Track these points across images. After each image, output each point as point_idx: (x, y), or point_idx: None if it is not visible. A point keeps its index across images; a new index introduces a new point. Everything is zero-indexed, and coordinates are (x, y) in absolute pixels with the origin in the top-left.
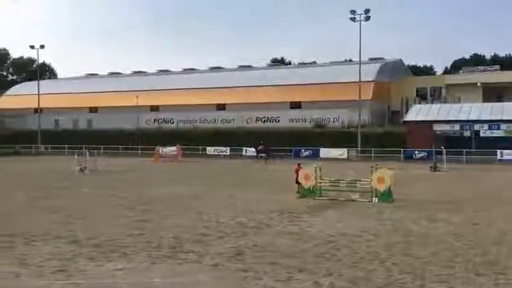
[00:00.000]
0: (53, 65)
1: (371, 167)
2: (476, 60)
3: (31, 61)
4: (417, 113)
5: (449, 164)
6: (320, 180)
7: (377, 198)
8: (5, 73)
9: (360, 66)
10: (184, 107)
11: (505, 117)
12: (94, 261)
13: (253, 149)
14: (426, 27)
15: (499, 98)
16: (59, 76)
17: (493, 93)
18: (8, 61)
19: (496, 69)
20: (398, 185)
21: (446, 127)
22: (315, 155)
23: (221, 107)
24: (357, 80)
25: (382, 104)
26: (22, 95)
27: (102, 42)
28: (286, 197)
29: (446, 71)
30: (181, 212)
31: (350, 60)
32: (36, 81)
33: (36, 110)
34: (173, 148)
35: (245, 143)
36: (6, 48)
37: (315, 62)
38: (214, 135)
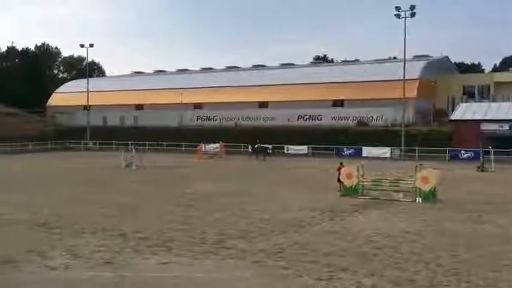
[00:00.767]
0: (101, 63)
1: (415, 166)
2: None
3: (81, 59)
4: (464, 111)
5: (497, 164)
6: (362, 179)
7: (421, 198)
8: (56, 71)
9: (404, 63)
10: (226, 105)
11: None
12: (139, 255)
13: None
14: (474, 23)
15: None
16: (107, 74)
17: None
18: (59, 59)
19: None
20: (443, 185)
21: (494, 126)
22: (358, 154)
23: (263, 104)
24: (401, 78)
25: (427, 102)
26: (72, 93)
27: (147, 41)
28: (328, 195)
29: (495, 69)
30: (224, 208)
31: (394, 58)
32: (86, 79)
33: (85, 107)
34: (216, 145)
35: (287, 141)
36: (58, 47)
37: (358, 60)
38: (256, 132)
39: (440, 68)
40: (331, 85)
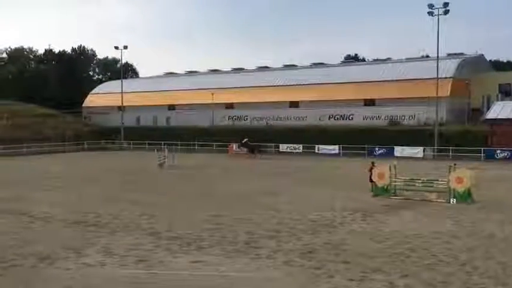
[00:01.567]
0: (135, 65)
1: (449, 166)
2: None
3: (115, 61)
4: (500, 110)
5: None
6: (394, 179)
7: (455, 199)
8: (91, 73)
9: (438, 62)
10: (257, 105)
11: None
12: (172, 253)
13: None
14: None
15: None
16: (140, 75)
17: None
18: (95, 61)
19: None
20: (478, 185)
21: None
22: (389, 154)
23: (294, 104)
24: (435, 77)
25: (461, 101)
26: (107, 94)
27: (180, 42)
28: (360, 195)
29: None
30: (255, 208)
31: (427, 56)
32: (120, 80)
33: (119, 108)
34: None
35: (318, 140)
36: (93, 49)
37: (390, 59)
38: (287, 132)
39: (474, 67)
40: (362, 84)
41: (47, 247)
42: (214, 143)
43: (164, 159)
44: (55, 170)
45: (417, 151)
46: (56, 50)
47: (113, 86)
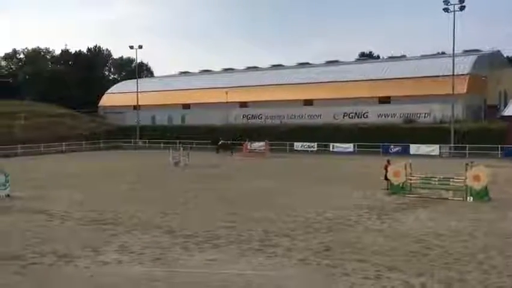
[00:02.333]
0: (150, 64)
1: (466, 164)
2: None
3: (130, 61)
4: None
5: None
6: (410, 177)
7: (472, 197)
8: (107, 72)
9: (453, 58)
10: (271, 103)
11: None
12: (187, 251)
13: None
14: None
15: None
16: (155, 74)
17: None
18: (110, 61)
19: None
20: (495, 183)
21: None
22: (405, 152)
23: (308, 102)
24: (450, 74)
25: (478, 98)
26: (122, 93)
27: (194, 41)
28: (375, 193)
29: None
30: (270, 206)
31: (443, 53)
32: (135, 80)
33: (135, 107)
34: (261, 143)
35: (333, 138)
36: (109, 49)
37: (405, 56)
38: (301, 130)
39: (491, 63)
40: (377, 82)
41: (65, 245)
42: (228, 142)
43: (180, 158)
44: (72, 169)
45: (433, 149)
46: (72, 51)
47: (128, 85)
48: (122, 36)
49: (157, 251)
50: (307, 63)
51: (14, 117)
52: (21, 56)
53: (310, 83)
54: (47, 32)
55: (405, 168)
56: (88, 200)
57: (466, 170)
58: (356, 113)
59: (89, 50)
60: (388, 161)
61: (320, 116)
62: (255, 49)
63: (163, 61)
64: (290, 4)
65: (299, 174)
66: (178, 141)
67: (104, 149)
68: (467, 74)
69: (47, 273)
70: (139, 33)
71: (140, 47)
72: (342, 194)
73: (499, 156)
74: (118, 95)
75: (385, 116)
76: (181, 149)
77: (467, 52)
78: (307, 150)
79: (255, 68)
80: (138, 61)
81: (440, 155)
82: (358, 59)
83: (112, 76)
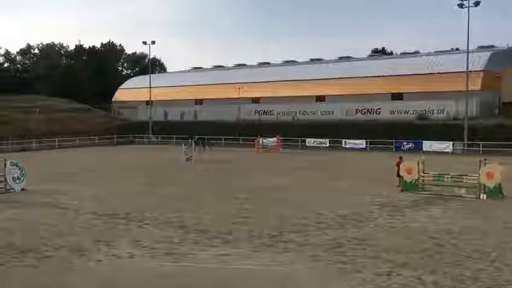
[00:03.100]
0: (163, 60)
1: (479, 161)
2: None
3: (143, 56)
4: None
5: None
6: (422, 174)
7: (485, 195)
8: (120, 68)
9: (468, 54)
10: (283, 99)
11: None
12: (199, 246)
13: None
14: None
15: None
16: (167, 70)
17: None
18: (123, 56)
19: None
20: (509, 181)
21: None
22: (417, 148)
23: (320, 98)
24: (464, 70)
25: (492, 95)
26: (135, 89)
27: (206, 37)
28: (387, 190)
29: None
30: (281, 202)
31: (457, 49)
32: (148, 75)
33: (147, 102)
34: (274, 139)
35: (345, 135)
36: (122, 45)
37: (418, 52)
38: (313, 126)
39: (506, 59)
40: (390, 78)
41: (78, 239)
42: (241, 138)
43: (192, 153)
44: (86, 164)
45: (446, 146)
46: (86, 46)
47: (141, 81)
48: (135, 31)
49: (169, 246)
50: (320, 59)
51: (29, 112)
52: (36, 51)
53: (322, 79)
54: (62, 28)
55: (418, 165)
56: (101, 194)
57: (480, 167)
58: (368, 109)
59: (102, 45)
60: (400, 158)
61: (332, 112)
62: (267, 45)
63: (176, 57)
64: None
65: (311, 170)
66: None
67: (117, 144)
68: (481, 71)
69: (61, 267)
70: (152, 29)
71: (153, 42)
72: (354, 190)
73: None
74: (131, 91)
75: (398, 113)
76: (193, 144)
77: (481, 48)
78: (319, 147)
79: (267, 64)
80: (151, 57)
81: (454, 152)
82: (371, 55)
83: (125, 71)
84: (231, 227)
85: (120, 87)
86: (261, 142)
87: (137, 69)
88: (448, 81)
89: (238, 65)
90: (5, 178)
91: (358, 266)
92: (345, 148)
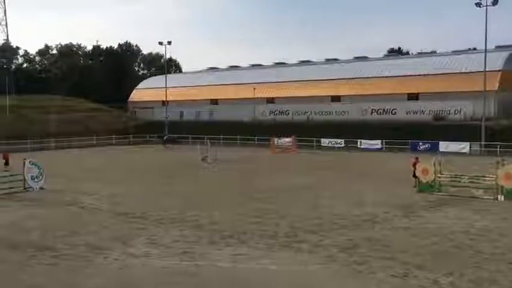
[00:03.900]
0: (178, 60)
1: (497, 162)
2: None
3: (159, 56)
4: None
5: None
6: (439, 175)
7: (503, 196)
8: (136, 68)
9: (485, 54)
10: (298, 99)
11: None
12: (215, 246)
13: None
14: None
15: None
16: (183, 70)
17: None
18: (139, 57)
19: None
20: None
21: None
22: (434, 149)
23: (336, 98)
24: (482, 70)
25: (510, 95)
26: (151, 89)
27: (221, 37)
28: (403, 190)
29: None
30: (296, 202)
31: (474, 49)
32: (164, 76)
33: (163, 102)
34: (289, 139)
35: (360, 135)
36: (138, 45)
37: (435, 52)
38: (328, 127)
39: None
40: (406, 78)
41: (95, 237)
42: (256, 138)
43: (207, 153)
44: (103, 163)
45: (463, 146)
46: (104, 47)
47: (157, 81)
48: (151, 32)
49: (185, 245)
50: (335, 59)
51: (47, 112)
52: (54, 51)
53: (338, 79)
54: (80, 28)
55: (434, 165)
56: (118, 193)
57: (497, 168)
58: (384, 110)
59: (119, 45)
60: (417, 158)
61: (348, 112)
62: (282, 45)
63: (191, 57)
64: (320, 1)
65: (327, 171)
66: (205, 136)
67: (134, 143)
68: (499, 70)
69: (78, 264)
70: (168, 29)
71: (169, 42)
72: (369, 191)
73: None
74: (147, 91)
75: (414, 113)
76: (209, 144)
77: (499, 48)
78: (335, 147)
79: (282, 64)
80: (167, 57)
81: (471, 153)
82: (386, 55)
83: (142, 72)
84: (246, 226)
85: (136, 87)
86: (276, 142)
87: (153, 69)
88: (465, 82)
89: (254, 65)
90: (24, 177)
91: (373, 267)
92: (361, 148)
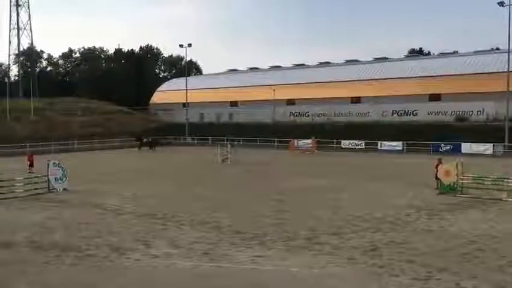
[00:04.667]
0: (199, 62)
1: None
2: None
3: (180, 59)
4: None
5: None
6: (461, 177)
7: None
8: (157, 70)
9: (509, 54)
10: (318, 100)
11: None
12: (235, 247)
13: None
14: None
15: None
16: (203, 72)
17: None
18: (160, 59)
19: None
20: None
21: None
22: (456, 150)
23: (356, 100)
24: (505, 70)
25: None
26: (172, 91)
27: (241, 39)
28: (425, 192)
29: None
30: (317, 204)
31: (497, 49)
32: (184, 78)
33: (184, 104)
34: (309, 141)
35: (381, 136)
36: (159, 48)
37: (456, 52)
38: (349, 128)
39: None
40: (427, 79)
41: (118, 238)
42: (276, 139)
43: (228, 155)
44: (125, 164)
45: (486, 148)
46: (125, 50)
47: (178, 83)
48: (172, 34)
49: (205, 246)
50: (355, 60)
51: (71, 114)
52: (77, 55)
53: (358, 80)
54: (102, 32)
55: (457, 167)
56: (140, 194)
57: None
58: (405, 111)
59: (141, 48)
60: (439, 160)
61: (368, 113)
62: (302, 46)
63: (212, 59)
64: (340, 1)
65: (347, 173)
66: (226, 138)
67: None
68: None
69: (102, 265)
70: (189, 32)
71: (190, 45)
72: (391, 193)
73: None
74: (167, 93)
75: (435, 114)
76: (229, 146)
77: None
78: (355, 148)
79: (302, 65)
80: (187, 59)
81: (494, 154)
82: (407, 56)
83: (162, 74)
84: (266, 228)
85: (157, 89)
86: (296, 144)
87: (173, 71)
88: (488, 82)
89: (273, 66)
90: (48, 178)
91: (395, 270)
92: (381, 150)
